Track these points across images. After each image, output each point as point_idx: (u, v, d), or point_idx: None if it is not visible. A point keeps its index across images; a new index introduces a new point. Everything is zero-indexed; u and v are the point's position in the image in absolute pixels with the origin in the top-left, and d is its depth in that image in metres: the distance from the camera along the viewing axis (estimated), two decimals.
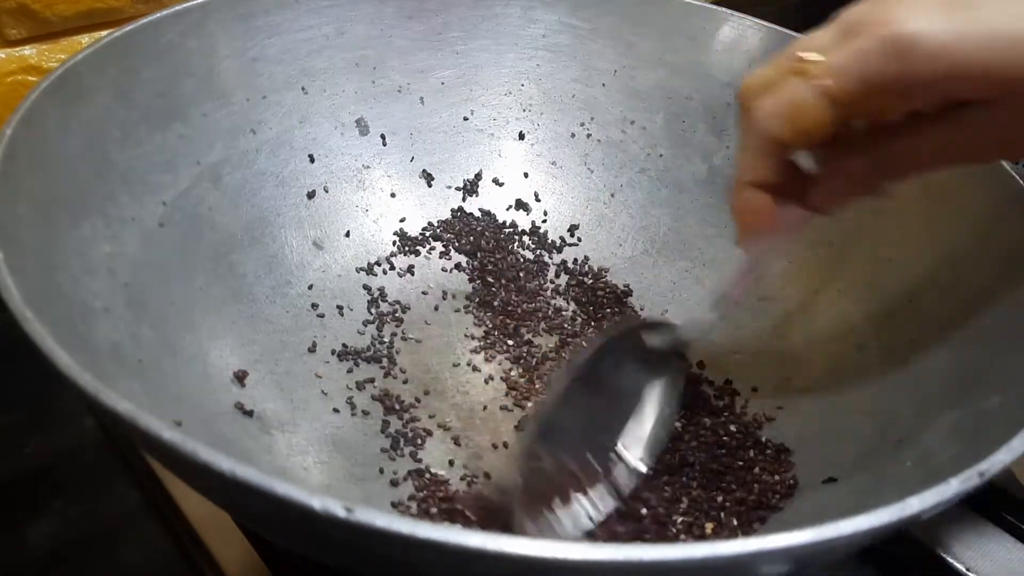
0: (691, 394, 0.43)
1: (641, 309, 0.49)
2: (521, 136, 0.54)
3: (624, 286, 0.50)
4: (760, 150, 0.31)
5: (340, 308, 0.46)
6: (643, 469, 0.38)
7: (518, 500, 0.35)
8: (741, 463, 0.40)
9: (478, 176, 0.53)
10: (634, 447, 0.38)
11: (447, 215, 0.52)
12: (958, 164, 0.31)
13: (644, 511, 0.38)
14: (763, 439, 0.41)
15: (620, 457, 0.38)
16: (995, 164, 0.39)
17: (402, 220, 0.51)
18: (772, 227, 0.33)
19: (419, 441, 0.41)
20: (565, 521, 0.36)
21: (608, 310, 0.49)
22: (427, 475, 0.39)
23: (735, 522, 0.37)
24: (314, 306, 0.46)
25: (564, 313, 0.49)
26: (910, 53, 0.26)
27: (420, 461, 0.40)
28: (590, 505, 0.36)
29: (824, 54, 0.28)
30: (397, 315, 0.47)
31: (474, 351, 0.46)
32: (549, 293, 0.50)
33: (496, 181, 0.54)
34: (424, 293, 0.49)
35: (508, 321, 0.48)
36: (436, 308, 0.49)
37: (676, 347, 0.40)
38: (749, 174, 0.32)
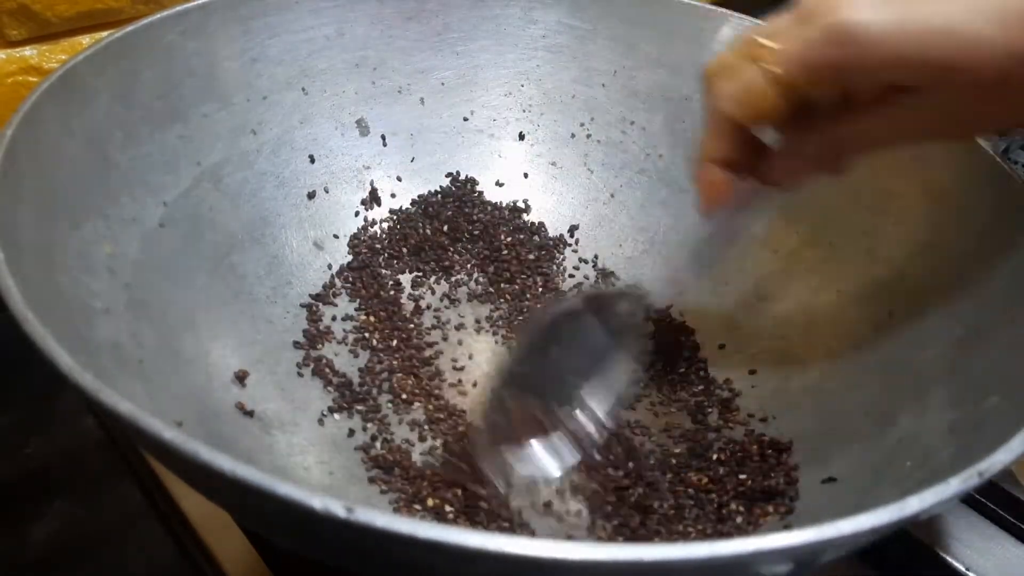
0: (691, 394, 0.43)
1: None
2: (521, 137, 0.54)
3: (624, 287, 0.50)
4: (720, 129, 0.33)
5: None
6: (603, 423, 0.38)
7: (483, 443, 0.38)
8: (740, 463, 0.40)
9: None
10: (595, 404, 0.39)
11: None
12: (904, 143, 0.33)
13: (644, 512, 0.38)
14: (763, 439, 0.41)
15: (582, 411, 0.38)
16: (994, 163, 0.39)
17: None
18: (729, 199, 0.35)
19: (418, 440, 0.41)
20: (528, 462, 0.37)
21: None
22: (427, 470, 0.39)
23: (735, 522, 0.37)
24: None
25: None
26: (852, 41, 0.27)
27: (426, 455, 0.40)
28: (551, 452, 0.37)
29: (777, 40, 0.30)
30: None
31: (474, 352, 0.46)
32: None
33: (496, 182, 0.54)
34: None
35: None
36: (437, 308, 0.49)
37: (643, 312, 0.41)
38: (710, 151, 0.34)
